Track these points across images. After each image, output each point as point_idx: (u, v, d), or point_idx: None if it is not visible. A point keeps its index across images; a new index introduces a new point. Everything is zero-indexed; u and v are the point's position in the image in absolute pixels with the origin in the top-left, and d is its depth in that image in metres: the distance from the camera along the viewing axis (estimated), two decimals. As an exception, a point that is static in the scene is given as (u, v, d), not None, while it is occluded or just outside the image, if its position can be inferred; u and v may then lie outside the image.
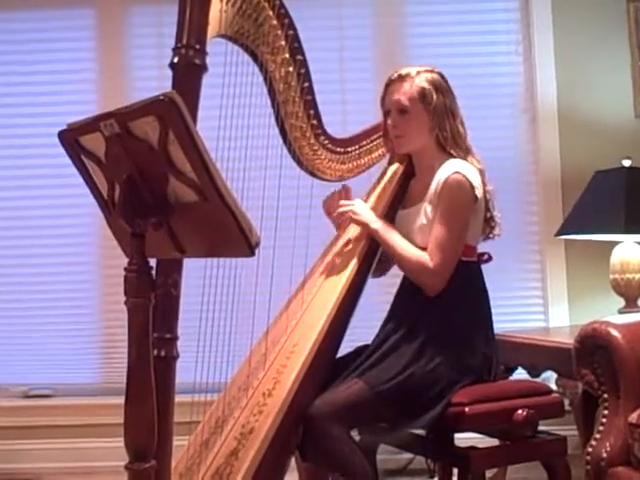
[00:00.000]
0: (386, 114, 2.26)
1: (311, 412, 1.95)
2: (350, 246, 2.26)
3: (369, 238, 2.23)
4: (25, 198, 3.55)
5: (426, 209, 2.16)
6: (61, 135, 1.58)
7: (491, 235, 2.25)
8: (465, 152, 2.20)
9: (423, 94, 2.18)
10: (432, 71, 2.23)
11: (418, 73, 2.20)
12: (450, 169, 2.12)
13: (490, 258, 2.25)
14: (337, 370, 2.09)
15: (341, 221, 2.31)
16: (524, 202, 3.51)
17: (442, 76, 2.23)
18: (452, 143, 2.19)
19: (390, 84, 2.23)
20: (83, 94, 3.56)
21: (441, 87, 2.20)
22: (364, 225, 2.21)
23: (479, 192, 2.12)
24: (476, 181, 2.12)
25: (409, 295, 2.18)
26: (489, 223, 2.22)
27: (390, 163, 2.43)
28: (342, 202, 2.26)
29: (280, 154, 2.20)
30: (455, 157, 2.18)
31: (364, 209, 2.23)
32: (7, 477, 3.31)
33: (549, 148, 3.46)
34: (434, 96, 2.17)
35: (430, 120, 2.19)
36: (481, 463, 2.05)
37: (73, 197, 3.26)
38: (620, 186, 2.99)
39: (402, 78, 2.21)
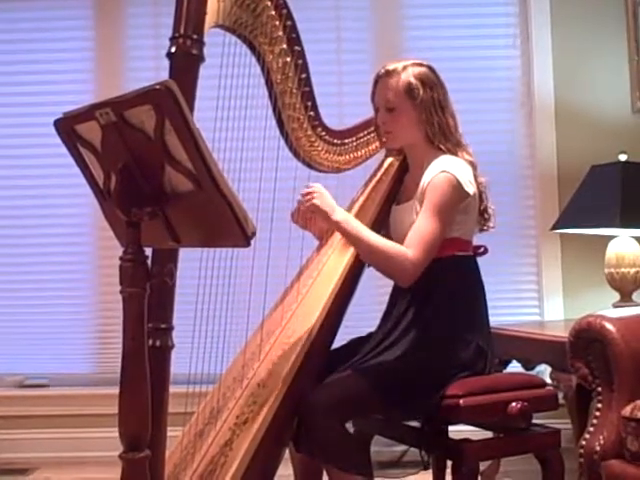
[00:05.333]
0: (377, 111, 2.26)
1: (306, 404, 1.95)
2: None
3: (368, 225, 2.23)
4: (20, 188, 3.55)
5: (416, 207, 2.15)
6: (57, 123, 1.57)
7: (485, 227, 2.25)
8: (455, 146, 2.18)
9: (409, 89, 2.16)
10: (420, 64, 2.20)
11: (405, 68, 2.18)
12: (437, 168, 2.10)
13: (486, 250, 2.25)
14: (332, 362, 2.09)
15: (304, 212, 2.16)
16: (520, 196, 3.52)
17: (431, 69, 2.20)
18: (441, 137, 2.17)
19: (378, 80, 2.22)
20: (80, 83, 3.56)
21: (429, 81, 2.18)
22: (324, 216, 2.08)
23: (470, 188, 2.11)
24: (466, 177, 2.10)
25: (406, 290, 2.17)
26: (483, 215, 2.22)
27: (387, 155, 2.43)
28: (308, 190, 2.10)
29: (277, 145, 2.19)
30: (444, 152, 2.17)
31: (326, 200, 2.09)
32: (2, 466, 3.31)
33: (546, 142, 3.46)
34: (420, 91, 2.15)
35: (418, 115, 2.17)
36: (475, 455, 2.05)
37: (69, 187, 3.26)
38: (616, 181, 2.99)
39: (389, 74, 2.19)
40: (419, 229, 2.08)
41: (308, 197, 2.10)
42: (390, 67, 2.20)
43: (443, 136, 2.17)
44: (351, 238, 2.12)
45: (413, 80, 2.16)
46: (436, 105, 2.17)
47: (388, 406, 2.03)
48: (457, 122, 2.21)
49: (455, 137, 2.19)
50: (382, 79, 2.21)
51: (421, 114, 2.17)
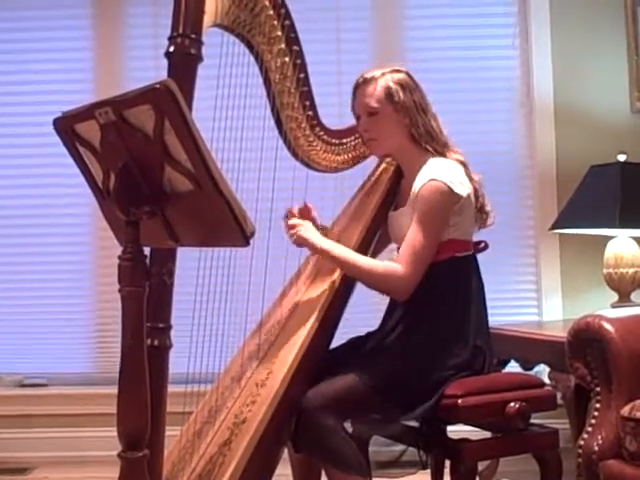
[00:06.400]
0: (358, 119, 2.26)
1: (304, 404, 1.95)
2: (344, 238, 2.26)
3: (363, 230, 2.23)
4: (19, 187, 3.54)
5: (410, 214, 2.15)
6: (56, 123, 1.58)
7: (483, 225, 2.25)
8: (443, 146, 2.18)
9: (389, 93, 2.17)
10: (398, 71, 2.22)
11: (383, 74, 2.20)
12: (426, 176, 2.10)
13: (486, 246, 2.25)
14: (331, 362, 2.09)
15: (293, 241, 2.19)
16: (519, 196, 3.52)
17: (409, 75, 2.22)
18: (427, 138, 2.17)
19: (357, 89, 2.23)
20: (80, 83, 3.55)
21: (407, 85, 2.19)
22: (311, 246, 2.15)
23: (462, 189, 2.10)
24: (457, 179, 2.10)
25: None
26: (480, 213, 2.22)
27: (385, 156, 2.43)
28: (291, 222, 2.17)
29: (275, 145, 2.19)
30: (433, 153, 2.16)
31: (310, 230, 2.16)
32: (1, 466, 3.31)
33: (545, 142, 3.46)
34: (400, 94, 2.16)
35: (401, 118, 2.17)
36: (473, 455, 2.06)
37: (68, 186, 3.26)
38: (615, 181, 2.99)
39: (367, 82, 2.20)
40: (409, 243, 2.08)
41: (292, 232, 2.14)
42: (367, 75, 2.21)
43: (430, 137, 2.18)
44: (339, 264, 2.14)
45: (392, 85, 2.18)
46: (418, 107, 2.18)
47: (386, 405, 2.03)
48: (440, 124, 2.22)
49: (441, 138, 2.20)
50: (360, 87, 2.22)
51: (404, 117, 2.17)
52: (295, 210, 2.24)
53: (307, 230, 2.16)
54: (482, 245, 2.25)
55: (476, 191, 2.18)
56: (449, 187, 2.08)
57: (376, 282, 2.12)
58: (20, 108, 3.54)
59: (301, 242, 2.17)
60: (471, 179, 2.17)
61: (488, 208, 2.23)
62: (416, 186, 2.12)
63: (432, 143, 2.17)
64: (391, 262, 2.13)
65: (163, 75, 1.80)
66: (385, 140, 2.22)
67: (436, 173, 2.10)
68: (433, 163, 2.14)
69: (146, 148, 1.42)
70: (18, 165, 3.54)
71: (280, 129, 2.21)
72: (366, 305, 2.68)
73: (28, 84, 3.54)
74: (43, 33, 3.57)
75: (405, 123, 2.18)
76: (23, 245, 3.55)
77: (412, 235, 2.08)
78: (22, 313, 3.53)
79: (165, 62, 1.85)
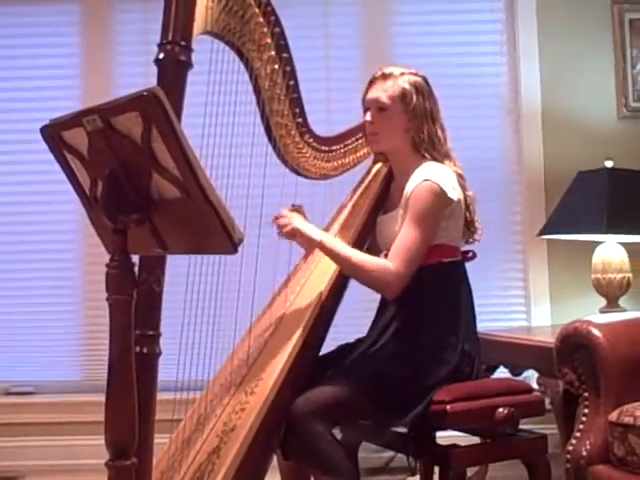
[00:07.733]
0: (366, 111, 2.26)
1: (293, 410, 1.95)
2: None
3: (354, 234, 2.23)
4: (7, 194, 3.52)
5: (402, 215, 2.15)
6: (43, 130, 1.57)
7: (471, 240, 2.25)
8: (443, 157, 2.19)
9: (403, 94, 2.18)
10: (416, 74, 2.23)
11: (402, 74, 2.21)
12: (420, 177, 2.11)
13: (474, 255, 2.26)
14: (320, 368, 2.09)
15: (283, 236, 2.18)
16: (507, 202, 3.54)
17: (425, 80, 2.23)
18: (429, 146, 2.18)
19: (373, 82, 2.24)
20: (67, 90, 3.54)
21: (423, 90, 2.20)
22: (306, 237, 2.14)
23: (454, 194, 2.11)
24: (450, 183, 2.11)
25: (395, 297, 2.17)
26: (469, 227, 2.23)
27: (375, 162, 2.44)
28: (283, 213, 2.16)
29: (265, 152, 2.19)
30: (429, 160, 2.17)
31: (303, 222, 2.16)
32: (-12, 474, 3.30)
33: (532, 148, 3.48)
34: (414, 97, 2.18)
35: (407, 121, 2.18)
36: (462, 461, 2.06)
37: (55, 193, 3.24)
38: (602, 187, 3.01)
39: (385, 77, 2.21)
40: (401, 240, 2.09)
41: (285, 222, 2.13)
42: (387, 70, 2.22)
43: (431, 146, 2.18)
44: (333, 256, 2.13)
45: (408, 86, 2.19)
46: (427, 114, 2.18)
47: (375, 412, 2.03)
48: (446, 135, 2.22)
49: (444, 149, 2.20)
50: (378, 80, 2.23)
51: (411, 121, 2.18)
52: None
53: (299, 221, 2.15)
54: (470, 254, 2.26)
55: (468, 205, 2.19)
56: (442, 189, 2.09)
57: (367, 277, 2.10)
58: (7, 115, 3.53)
59: (294, 233, 2.15)
60: (465, 192, 2.18)
61: (477, 225, 2.24)
62: (409, 187, 2.13)
63: (432, 152, 2.18)
64: (383, 259, 2.13)
65: (153, 81, 1.80)
66: (386, 137, 2.23)
67: (429, 175, 2.11)
68: (427, 166, 2.15)
69: (133, 155, 1.41)
70: (4, 172, 3.53)
71: (270, 136, 2.21)
72: (355, 311, 2.69)
73: (15, 91, 3.53)
74: (30, 39, 3.56)
75: (410, 126, 2.19)
76: (9, 252, 3.53)
77: (404, 234, 2.09)
78: (9, 321, 3.51)
79: (155, 69, 1.85)
